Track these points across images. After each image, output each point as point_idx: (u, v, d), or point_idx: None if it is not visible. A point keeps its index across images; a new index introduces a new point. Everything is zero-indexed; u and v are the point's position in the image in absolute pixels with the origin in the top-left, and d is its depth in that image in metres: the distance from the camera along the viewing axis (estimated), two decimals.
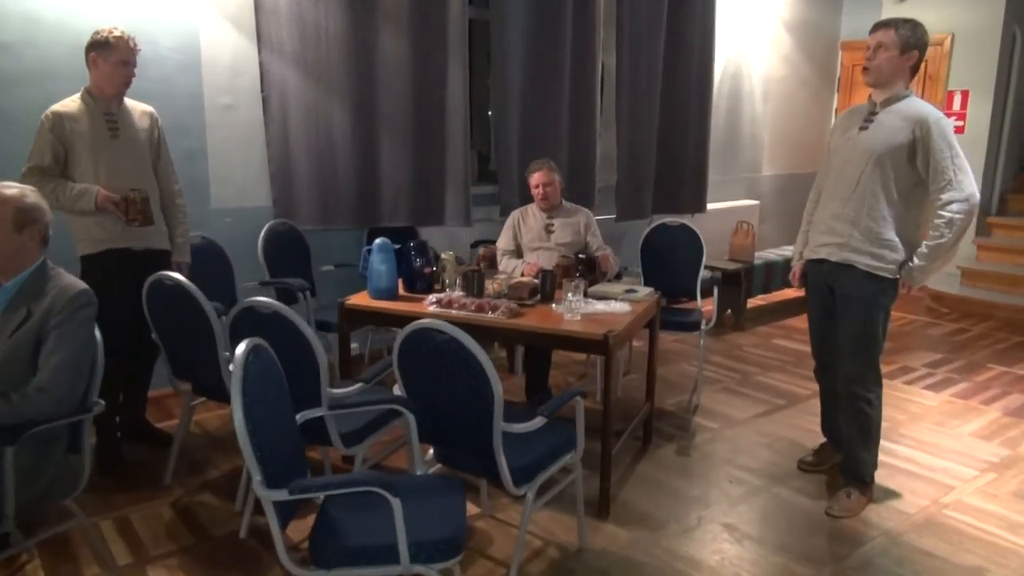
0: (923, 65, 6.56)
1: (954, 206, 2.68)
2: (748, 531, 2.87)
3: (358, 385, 2.61)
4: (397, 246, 3.36)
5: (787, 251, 6.18)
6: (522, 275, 3.84)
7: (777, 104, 6.99)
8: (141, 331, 3.17)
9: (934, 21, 6.65)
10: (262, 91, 4.14)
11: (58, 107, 3.10)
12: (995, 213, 6.71)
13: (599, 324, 2.91)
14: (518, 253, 4.25)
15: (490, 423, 2.22)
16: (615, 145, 5.49)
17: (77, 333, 2.24)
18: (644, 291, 3.42)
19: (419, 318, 3.08)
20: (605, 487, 2.95)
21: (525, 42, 4.84)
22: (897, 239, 2.81)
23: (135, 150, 3.26)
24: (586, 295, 3.29)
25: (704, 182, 6.04)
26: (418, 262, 3.39)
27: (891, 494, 3.15)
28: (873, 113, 2.86)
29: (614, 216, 5.54)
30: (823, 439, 3.45)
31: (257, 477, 1.82)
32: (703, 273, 4.40)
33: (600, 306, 3.10)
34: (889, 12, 7.02)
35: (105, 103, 3.17)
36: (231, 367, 1.86)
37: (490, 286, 3.29)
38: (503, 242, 4.25)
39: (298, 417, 2.28)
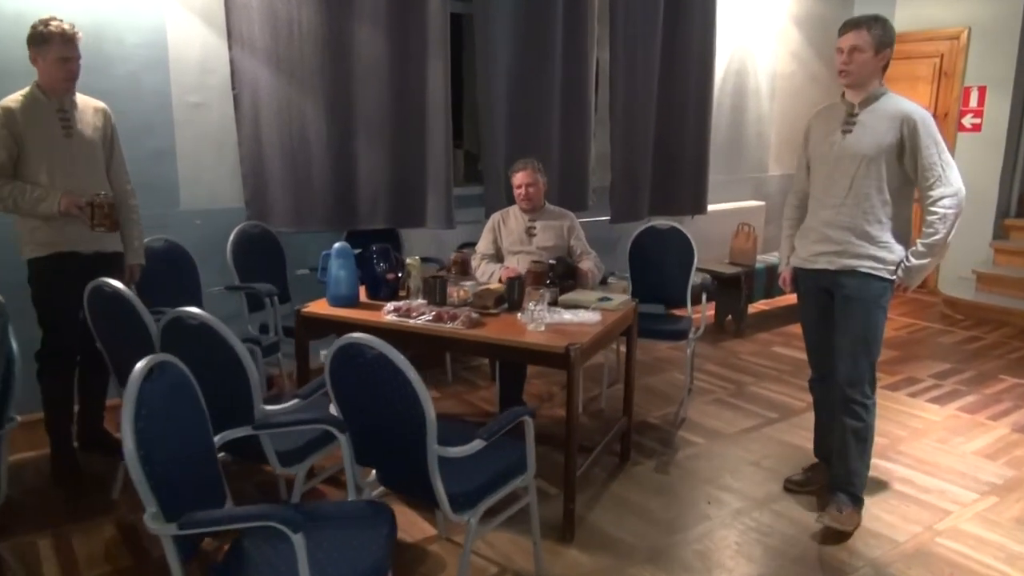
0: (939, 60, 6.35)
1: (946, 201, 2.64)
2: (721, 560, 2.66)
3: (294, 401, 2.45)
4: (358, 250, 3.20)
5: None
6: (499, 281, 3.68)
7: (785, 101, 6.73)
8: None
9: (950, 14, 6.39)
10: (233, 88, 3.99)
11: (8, 101, 2.98)
12: (1014, 215, 6.40)
13: (563, 336, 2.73)
14: (499, 257, 4.08)
15: (423, 446, 2.05)
16: (609, 144, 5.29)
17: None
18: (619, 299, 3.22)
19: (376, 327, 2.98)
20: (569, 509, 2.77)
21: (512, 37, 4.66)
22: (893, 239, 2.74)
23: (89, 149, 3.13)
24: (556, 304, 3.12)
25: (704, 182, 5.81)
26: (381, 267, 3.23)
27: (881, 519, 2.92)
28: (852, 115, 2.76)
29: (608, 218, 5.33)
30: (815, 457, 3.25)
31: (151, 508, 1.66)
32: (695, 278, 4.19)
33: (568, 316, 2.91)
34: (903, 6, 6.75)
35: (57, 99, 3.04)
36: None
37: (455, 293, 3.12)
38: (482, 245, 4.08)
39: (218, 438, 2.12)
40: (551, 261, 3.43)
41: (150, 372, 1.77)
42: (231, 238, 3.93)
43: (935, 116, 6.45)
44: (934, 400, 4.19)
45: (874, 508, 2.98)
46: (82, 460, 3.26)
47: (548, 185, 4.82)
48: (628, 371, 3.37)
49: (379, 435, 2.18)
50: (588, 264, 3.90)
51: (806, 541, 2.78)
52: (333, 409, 2.29)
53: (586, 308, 3.03)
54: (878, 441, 3.55)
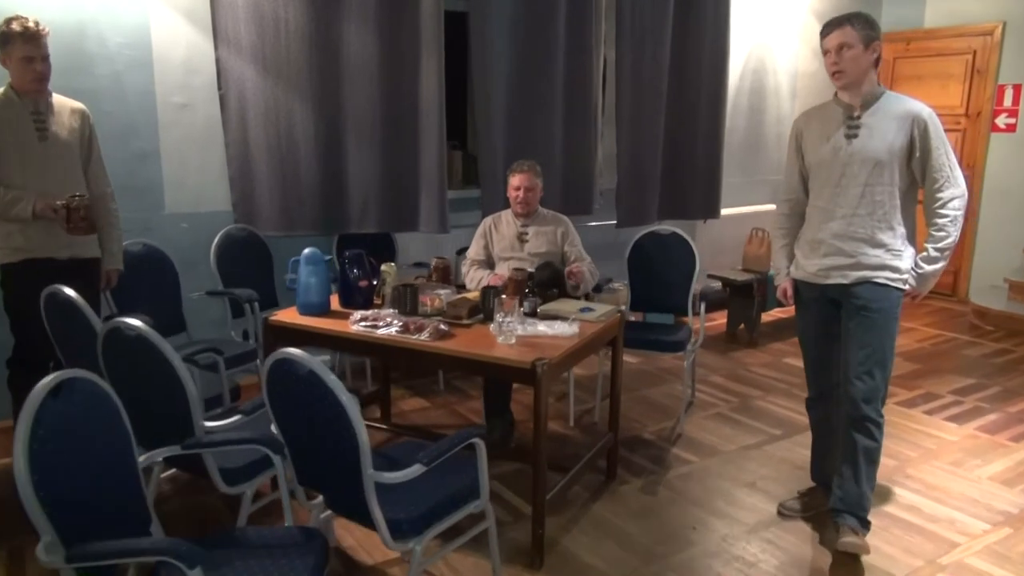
0: (971, 57, 6.03)
1: (956, 203, 2.52)
2: None
3: (236, 418, 2.33)
4: (328, 257, 3.08)
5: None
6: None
7: (807, 101, 6.45)
8: None
9: (983, 9, 6.07)
10: (219, 89, 3.91)
11: None
12: None
13: (533, 350, 2.57)
14: (490, 263, 3.93)
15: (358, 470, 1.91)
16: (615, 145, 5.11)
17: None
18: (603, 309, 3.05)
19: (343, 337, 2.85)
20: (538, 534, 2.60)
21: (511, 35, 4.50)
22: (905, 246, 2.61)
23: (64, 151, 3.05)
24: (535, 314, 2.97)
25: (717, 185, 5.59)
26: (354, 274, 3.10)
27: (880, 551, 2.70)
28: (854, 118, 2.57)
29: (615, 221, 5.15)
30: (812, 481, 3.04)
31: (46, 537, 1.55)
32: (697, 286, 4.00)
33: (542, 328, 2.75)
34: (933, 1, 6.44)
35: (31, 100, 2.96)
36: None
37: (428, 302, 2.98)
38: (473, 251, 3.94)
39: (143, 458, 2.00)
40: (531, 269, 3.25)
41: (56, 389, 1.66)
42: (215, 242, 3.84)
43: (967, 116, 6.17)
44: (952, 418, 3.93)
45: (873, 538, 2.75)
46: None
47: (545, 190, 4.72)
48: (614, 385, 3.19)
49: (317, 456, 2.04)
50: (580, 267, 3.73)
51: (793, 575, 2.58)
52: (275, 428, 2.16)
53: (565, 319, 2.86)
54: (886, 463, 3.34)
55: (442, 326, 2.72)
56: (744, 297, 5.26)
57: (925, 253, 2.55)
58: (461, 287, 3.48)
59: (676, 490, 3.16)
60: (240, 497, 2.39)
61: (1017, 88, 5.93)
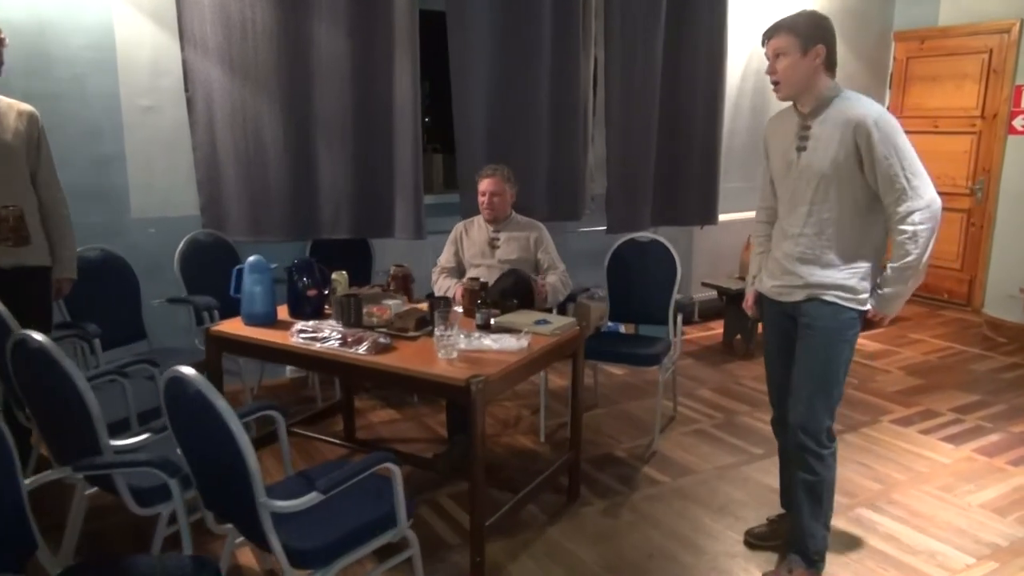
0: (987, 56, 5.76)
1: (916, 216, 2.23)
2: None
3: (144, 436, 2.21)
4: (274, 265, 2.96)
5: None
6: (454, 298, 3.40)
7: None
8: None
9: (1000, 6, 5.79)
10: (186, 91, 3.82)
11: None
12: None
13: (473, 366, 2.43)
14: (460, 271, 3.80)
15: (251, 497, 1.78)
16: (603, 149, 4.94)
17: None
18: (561, 321, 2.90)
19: (283, 350, 2.73)
20: (476, 561, 2.45)
21: (491, 35, 4.35)
22: (865, 265, 2.37)
23: (8, 156, 2.97)
24: (488, 326, 2.82)
25: (714, 190, 5.38)
26: (302, 283, 2.98)
27: None
28: (806, 128, 2.36)
29: (605, 228, 4.98)
30: (781, 507, 2.85)
31: None
32: (677, 296, 3.82)
33: (488, 341, 2.61)
34: None
35: None
36: None
37: (378, 313, 2.84)
38: (444, 258, 3.82)
39: (30, 481, 1.89)
40: (482, 280, 3.10)
41: None
42: (179, 248, 3.76)
43: (982, 117, 5.88)
44: (949, 438, 3.70)
45: (842, 572, 2.56)
46: None
47: (530, 195, 4.57)
48: (574, 401, 3.03)
49: (216, 479, 1.92)
50: (551, 278, 3.59)
51: None
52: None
53: (518, 332, 2.71)
54: (869, 487, 3.15)
55: (382, 339, 2.59)
56: (740, 307, 5.03)
57: (886, 273, 2.32)
58: (431, 297, 3.34)
59: (640, 513, 2.99)
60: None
61: None
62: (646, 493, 3.15)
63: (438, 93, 4.32)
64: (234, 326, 2.89)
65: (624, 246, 3.95)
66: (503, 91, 4.45)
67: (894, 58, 6.52)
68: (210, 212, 3.96)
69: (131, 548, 2.67)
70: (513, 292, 3.29)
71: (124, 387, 2.59)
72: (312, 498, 1.82)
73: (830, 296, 2.36)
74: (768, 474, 3.30)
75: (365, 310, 2.86)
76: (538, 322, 2.85)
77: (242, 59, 3.80)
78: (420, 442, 3.63)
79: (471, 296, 2.94)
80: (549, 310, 3.63)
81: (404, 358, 2.51)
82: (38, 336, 2.08)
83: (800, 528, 2.46)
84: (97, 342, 3.16)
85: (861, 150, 2.23)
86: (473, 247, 3.75)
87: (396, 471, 2.00)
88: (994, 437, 3.72)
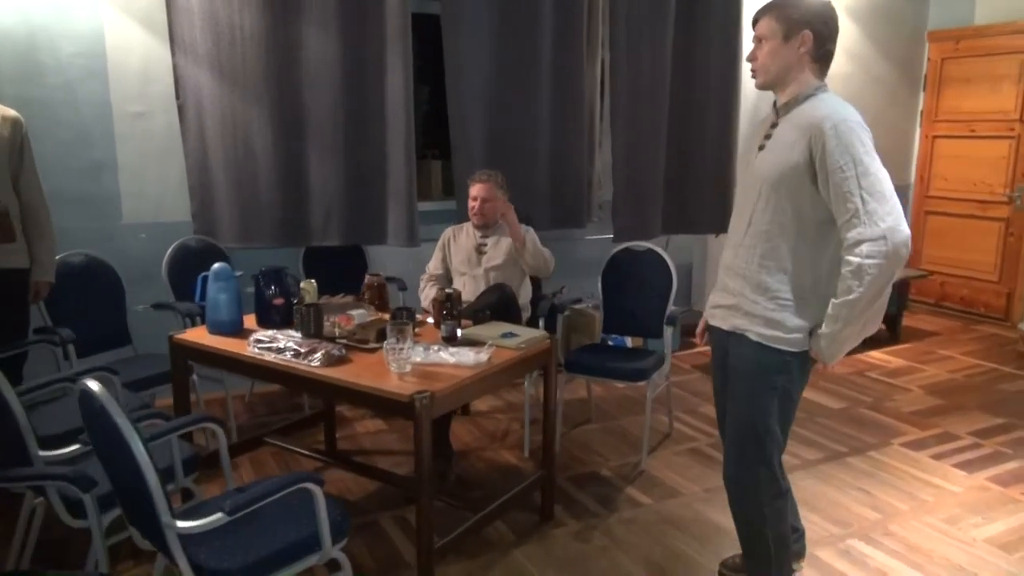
0: None
1: (864, 247, 1.86)
2: None
3: (73, 447, 2.16)
4: (239, 273, 2.91)
5: None
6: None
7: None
8: None
9: None
10: (177, 98, 3.81)
11: None
12: None
13: (424, 381, 2.33)
14: (448, 278, 3.72)
15: (155, 516, 1.71)
16: (610, 155, 4.80)
17: None
18: (530, 334, 2.78)
19: (239, 360, 2.67)
20: None
21: (488, 37, 4.26)
22: (804, 298, 2.03)
23: None
24: (454, 338, 2.72)
25: (730, 197, 5.18)
26: (270, 291, 2.92)
27: None
28: (774, 125, 2.13)
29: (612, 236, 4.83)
30: None
31: None
32: (673, 307, 3.66)
33: (445, 355, 2.50)
34: None
35: None
36: None
37: (339, 323, 2.76)
38: (432, 265, 3.75)
39: None
40: (455, 290, 2.98)
41: None
42: (167, 253, 3.75)
43: (1021, 121, 5.55)
44: (963, 465, 3.45)
45: None
46: None
47: (531, 202, 4.46)
48: (546, 416, 2.90)
49: (129, 495, 1.85)
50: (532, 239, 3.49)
51: None
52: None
53: (482, 345, 2.60)
54: (866, 516, 2.96)
55: (334, 351, 2.50)
56: None
57: (828, 310, 1.95)
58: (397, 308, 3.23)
59: (614, 537, 2.84)
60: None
61: None
62: (624, 516, 3.00)
63: (438, 98, 4.23)
64: (198, 334, 2.84)
65: (619, 255, 3.80)
66: (502, 95, 4.35)
67: (928, 59, 6.22)
68: (202, 218, 3.94)
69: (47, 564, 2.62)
70: (495, 309, 3.19)
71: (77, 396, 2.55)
72: (218, 519, 1.74)
73: (753, 334, 2.07)
74: None
75: (331, 320, 2.79)
76: (505, 335, 2.74)
77: (231, 65, 3.78)
78: (401, 455, 3.53)
79: (438, 307, 2.84)
80: (544, 312, 3.53)
81: (354, 371, 2.42)
82: None
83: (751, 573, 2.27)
84: (71, 347, 3.16)
85: (815, 159, 1.93)
86: (460, 253, 3.66)
87: (317, 492, 1.91)
88: (1013, 465, 3.46)
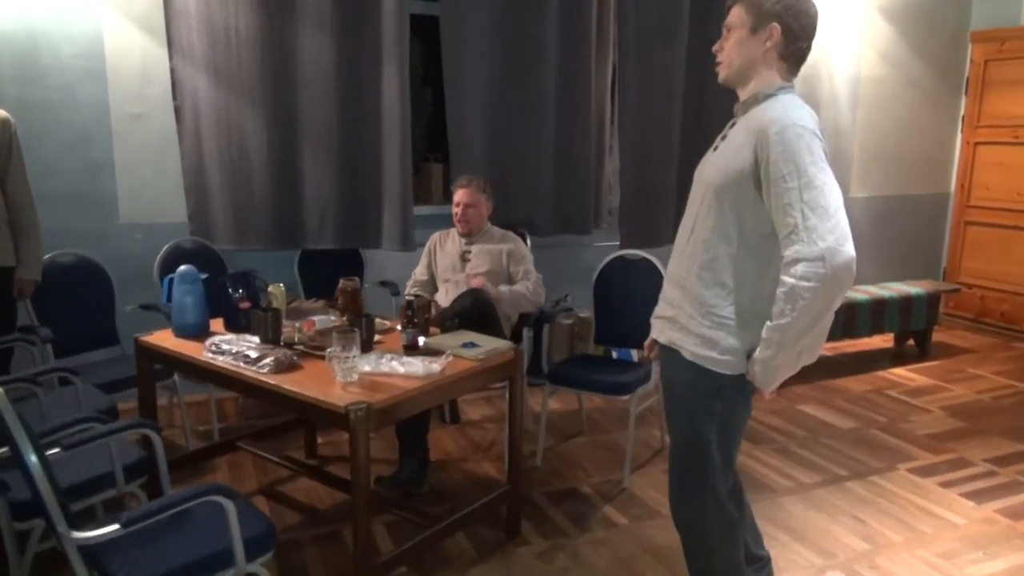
0: None
1: (800, 268, 1.68)
2: None
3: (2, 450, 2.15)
4: (204, 275, 2.89)
5: (872, 290, 4.96)
6: None
7: (873, 111, 5.70)
8: None
9: None
10: (174, 99, 3.83)
11: None
12: None
13: (367, 391, 2.26)
14: (433, 284, 3.65)
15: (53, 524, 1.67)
16: (618, 160, 4.66)
17: None
18: (493, 345, 2.68)
19: (195, 364, 2.64)
20: None
21: (490, 39, 4.17)
22: (742, 317, 1.85)
23: None
24: (416, 347, 2.64)
25: None
26: (238, 294, 2.89)
27: None
28: (732, 125, 1.98)
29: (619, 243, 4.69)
30: None
31: None
32: None
33: (395, 364, 2.42)
34: None
35: None
36: None
37: (301, 329, 2.71)
38: (418, 271, 3.69)
39: None
40: (410, 297, 2.89)
41: None
42: (160, 254, 3.77)
43: None
44: (972, 494, 3.22)
45: None
46: None
47: (535, 208, 4.37)
48: (511, 430, 2.79)
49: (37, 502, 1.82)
50: (516, 287, 3.38)
51: None
52: None
53: (440, 355, 2.52)
54: (853, 546, 2.79)
55: (286, 358, 2.45)
56: None
57: (763, 333, 1.78)
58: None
59: (579, 559, 2.72)
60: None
61: None
62: (596, 536, 2.88)
63: (443, 101, 4.17)
64: (162, 337, 2.83)
65: (612, 263, 3.67)
66: (504, 98, 4.27)
67: (971, 61, 5.89)
68: (198, 220, 3.96)
69: None
70: (469, 315, 3.10)
71: (39, 397, 2.56)
72: (113, 531, 1.69)
73: (687, 353, 1.90)
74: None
75: (295, 325, 2.75)
76: (466, 345, 2.64)
77: (226, 67, 3.79)
78: (384, 463, 3.47)
79: (401, 313, 2.77)
80: (528, 321, 3.44)
81: (299, 379, 2.36)
82: None
83: None
84: (49, 347, 3.19)
85: (760, 166, 1.76)
86: (445, 259, 3.58)
87: (228, 505, 1.84)
88: None
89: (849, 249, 1.67)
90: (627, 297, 3.59)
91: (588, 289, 3.65)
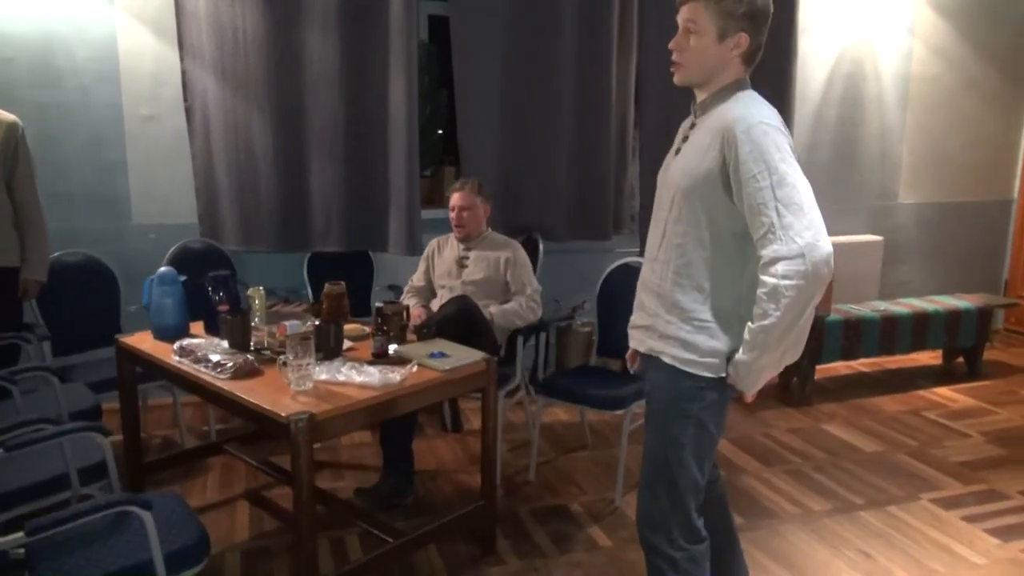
0: None
1: (780, 267, 1.63)
2: None
3: None
4: (183, 277, 2.87)
5: (915, 303, 4.65)
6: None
7: (925, 113, 5.34)
8: None
9: None
10: (185, 101, 3.87)
11: None
12: None
13: (319, 400, 2.19)
14: (431, 290, 3.57)
15: None
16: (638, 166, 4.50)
17: None
18: (466, 355, 2.57)
19: (163, 367, 2.62)
20: None
21: (503, 39, 4.06)
22: (724, 319, 1.79)
23: None
24: (385, 355, 2.57)
25: None
26: (217, 298, 2.86)
27: None
28: (692, 125, 1.87)
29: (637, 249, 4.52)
30: None
31: None
32: None
33: (353, 373, 2.34)
34: None
35: None
36: None
37: (274, 333, 2.67)
38: (415, 276, 3.62)
39: None
40: (380, 305, 2.80)
41: None
42: (168, 254, 3.80)
43: None
44: (999, 531, 2.93)
45: None
46: None
47: (549, 213, 4.26)
48: (484, 445, 2.68)
49: None
50: (509, 304, 3.28)
51: None
52: None
53: (406, 364, 2.43)
54: None
55: (247, 364, 2.40)
56: None
57: (744, 335, 1.72)
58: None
59: None
60: None
61: None
62: (575, 558, 2.74)
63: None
64: (141, 339, 2.82)
65: (616, 271, 3.51)
66: (517, 99, 4.15)
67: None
68: (207, 220, 3.98)
69: None
70: (454, 322, 3.00)
71: (14, 396, 2.59)
72: (15, 539, 1.66)
73: (667, 357, 1.83)
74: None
75: (268, 329, 2.71)
76: (434, 354, 2.55)
77: (233, 68, 3.80)
78: (374, 471, 3.40)
79: (375, 320, 2.69)
80: (522, 331, 3.32)
81: (254, 386, 2.31)
82: None
83: None
84: (45, 345, 3.24)
85: (729, 166, 1.70)
86: (443, 265, 3.50)
87: (146, 517, 1.79)
88: None
89: (826, 244, 1.63)
90: (630, 306, 3.42)
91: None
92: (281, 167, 3.91)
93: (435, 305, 3.41)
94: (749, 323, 1.71)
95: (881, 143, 5.30)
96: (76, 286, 3.53)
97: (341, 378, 2.33)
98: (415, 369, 2.42)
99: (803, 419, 4.08)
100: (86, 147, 3.83)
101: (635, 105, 4.51)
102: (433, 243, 3.59)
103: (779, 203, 1.62)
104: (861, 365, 4.89)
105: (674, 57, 1.82)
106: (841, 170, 5.23)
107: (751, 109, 1.72)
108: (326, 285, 3.12)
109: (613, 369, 3.55)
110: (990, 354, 4.96)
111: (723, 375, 1.79)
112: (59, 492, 2.29)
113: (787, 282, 1.61)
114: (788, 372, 4.51)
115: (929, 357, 5.03)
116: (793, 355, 1.76)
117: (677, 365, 1.81)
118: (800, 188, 1.65)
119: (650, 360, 1.91)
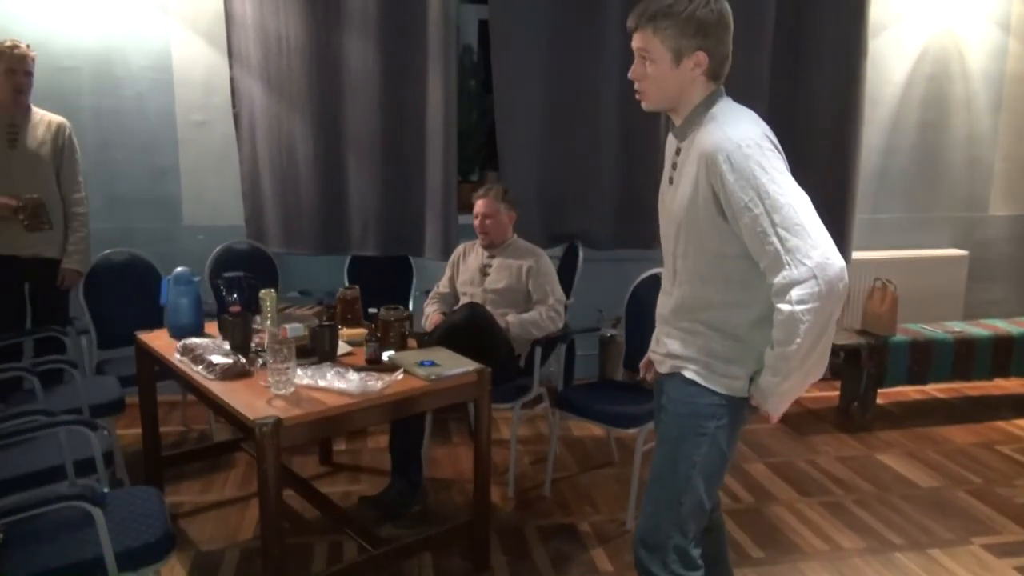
0: None
1: (795, 292, 1.54)
2: None
3: None
4: (196, 278, 2.94)
5: (997, 325, 4.25)
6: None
7: (1019, 114, 4.88)
8: None
9: None
10: (233, 107, 3.99)
11: None
12: None
13: (292, 405, 2.18)
14: (455, 296, 3.53)
15: None
16: None
17: None
18: (458, 365, 2.51)
19: (165, 364, 2.69)
20: None
21: (546, 41, 3.98)
22: (744, 342, 1.72)
23: (32, 159, 3.33)
24: (378, 361, 2.54)
25: (847, 219, 4.43)
26: (230, 299, 2.91)
27: None
28: (678, 152, 1.78)
29: None
30: None
31: None
32: None
33: (335, 378, 2.32)
34: None
35: (9, 114, 3.29)
36: None
37: (281, 335, 2.68)
38: (441, 282, 3.60)
39: None
40: (372, 311, 2.76)
41: None
42: (211, 255, 3.93)
43: None
44: None
45: None
46: None
47: (592, 220, 4.15)
48: (477, 460, 2.60)
49: None
50: (529, 314, 3.20)
51: None
52: None
53: (393, 372, 2.40)
54: None
55: (231, 363, 2.43)
56: (852, 367, 4.09)
57: (766, 359, 1.66)
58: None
59: None
60: None
61: None
62: None
63: None
64: (157, 336, 2.91)
65: (645, 282, 3.36)
66: (559, 104, 4.07)
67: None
68: (253, 223, 4.10)
69: None
70: (463, 329, 2.95)
71: (35, 385, 2.71)
72: None
73: (690, 372, 1.75)
74: None
75: (269, 331, 2.73)
76: (425, 363, 2.49)
77: (278, 76, 3.89)
78: (383, 475, 3.38)
79: (369, 325, 2.67)
80: (541, 341, 3.22)
81: (236, 388, 2.33)
82: None
83: None
84: (83, 339, 3.40)
85: (719, 195, 1.61)
86: (466, 272, 3.45)
87: (96, 513, 1.82)
88: None
89: (837, 259, 1.55)
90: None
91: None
92: (321, 172, 3.97)
93: None
94: (769, 348, 1.64)
95: (969, 149, 4.87)
96: (122, 284, 3.70)
97: (323, 383, 2.32)
98: (400, 377, 2.38)
99: (857, 447, 3.78)
100: (141, 152, 4.02)
101: None
102: (459, 249, 3.55)
103: (778, 228, 1.54)
104: (935, 390, 4.50)
105: (636, 86, 1.75)
106: (920, 178, 4.85)
107: (726, 130, 1.62)
108: (340, 289, 3.14)
109: (639, 383, 3.39)
110: None
111: (746, 395, 1.73)
112: (56, 483, 2.39)
113: (803, 307, 1.53)
114: (847, 395, 4.22)
115: (1018, 385, 4.57)
116: (816, 374, 1.68)
117: (700, 381, 1.74)
118: (797, 206, 1.56)
119: (669, 381, 1.83)
